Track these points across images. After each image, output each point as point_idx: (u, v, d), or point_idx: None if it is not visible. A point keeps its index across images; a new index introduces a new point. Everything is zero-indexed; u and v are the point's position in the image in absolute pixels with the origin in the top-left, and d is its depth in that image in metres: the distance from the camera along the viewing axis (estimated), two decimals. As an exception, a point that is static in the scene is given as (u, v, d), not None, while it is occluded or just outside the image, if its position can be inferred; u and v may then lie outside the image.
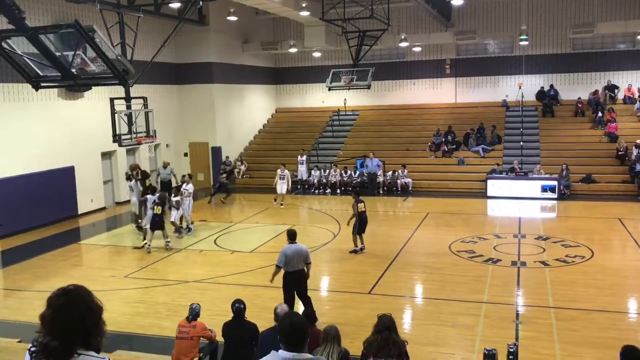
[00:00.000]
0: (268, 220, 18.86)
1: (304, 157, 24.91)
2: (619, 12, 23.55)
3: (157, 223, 14.76)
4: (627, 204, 19.80)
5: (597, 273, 12.43)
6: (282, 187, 20.48)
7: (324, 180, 24.14)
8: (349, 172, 24.26)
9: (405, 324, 10.08)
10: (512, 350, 6.00)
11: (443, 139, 25.59)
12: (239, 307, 7.26)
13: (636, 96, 25.84)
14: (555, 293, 11.19)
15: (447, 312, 10.35)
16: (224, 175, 22.16)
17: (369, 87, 23.77)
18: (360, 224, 14.29)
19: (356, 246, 14.33)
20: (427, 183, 23.42)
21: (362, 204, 14.40)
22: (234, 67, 27.22)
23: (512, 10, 26.28)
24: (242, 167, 26.20)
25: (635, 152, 21.95)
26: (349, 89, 24.42)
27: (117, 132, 15.61)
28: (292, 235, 9.73)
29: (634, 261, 13.41)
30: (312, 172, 24.54)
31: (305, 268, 9.61)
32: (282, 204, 20.49)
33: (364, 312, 10.07)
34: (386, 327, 5.68)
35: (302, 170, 24.63)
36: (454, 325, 9.74)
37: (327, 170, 24.52)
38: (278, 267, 9.50)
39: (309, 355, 3.56)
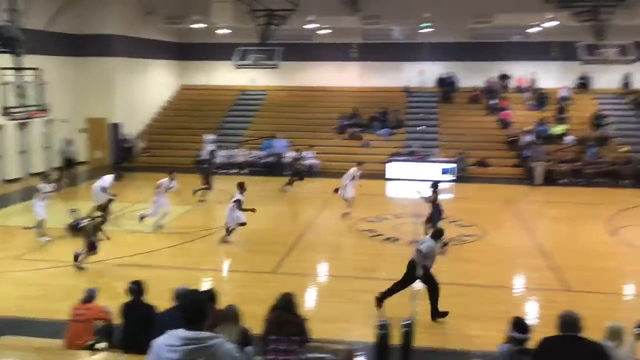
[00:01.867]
0: (172, 200, 18.37)
1: (213, 136, 24.45)
2: (515, 5, 24.86)
3: None
4: (517, 186, 21.13)
5: (488, 251, 13.21)
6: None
7: (230, 160, 23.84)
8: (254, 152, 24.10)
9: (308, 301, 10.23)
10: (406, 323, 6.24)
11: (349, 122, 26.01)
12: (135, 288, 7.05)
13: (526, 85, 27.49)
14: (450, 271, 11.75)
15: (348, 290, 10.62)
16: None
17: (276, 66, 23.65)
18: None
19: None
20: (333, 165, 23.73)
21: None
22: (136, 40, 26.09)
23: (416, -2, 27.04)
24: (141, 144, 25.22)
25: (524, 138, 23.41)
26: (256, 67, 24.17)
27: (6, 105, 14.60)
28: None
29: (522, 240, 14.35)
30: (218, 151, 24.15)
31: None
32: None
33: (268, 292, 10.00)
34: (282, 305, 5.74)
35: (207, 150, 24.14)
36: (355, 302, 10.01)
37: (234, 150, 24.23)
38: None
39: (208, 334, 3.52)
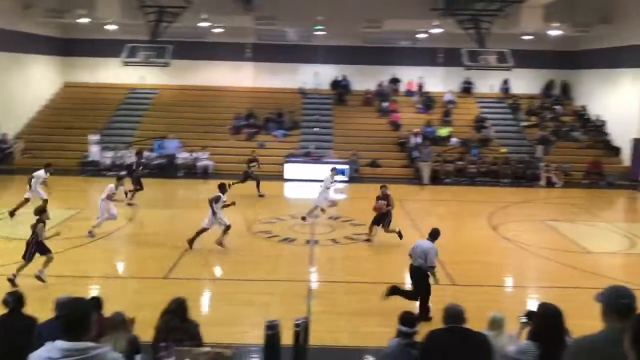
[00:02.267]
0: (53, 204, 17.27)
1: (97, 137, 23.28)
2: (405, 11, 25.84)
3: None
4: (406, 186, 21.93)
5: (380, 248, 13.59)
6: None
7: (118, 162, 22.83)
8: (145, 153, 23.21)
9: (202, 306, 10.01)
10: (298, 323, 6.25)
11: (244, 122, 25.81)
12: (11, 299, 6.51)
13: (415, 89, 28.67)
14: (344, 268, 12.01)
15: (242, 292, 10.50)
16: None
17: (167, 64, 22.99)
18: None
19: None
20: (228, 166, 23.44)
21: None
22: (13, 33, 24.26)
23: (311, 0, 27.31)
24: (20, 145, 23.53)
25: (413, 140, 24.38)
26: (146, 65, 23.34)
27: None
28: None
29: (409, 236, 14.85)
30: (105, 153, 23.07)
31: None
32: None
33: (160, 297, 9.69)
34: (172, 311, 5.57)
35: (94, 151, 23.01)
36: (249, 304, 9.92)
37: (122, 151, 23.24)
38: None
39: (90, 344, 3.31)
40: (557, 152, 24.52)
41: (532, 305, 10.44)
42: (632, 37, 23.39)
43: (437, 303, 8.75)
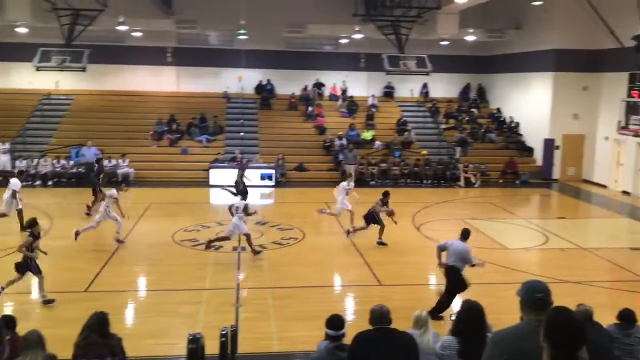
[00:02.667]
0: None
1: (7, 146, 22.08)
2: (326, 17, 26.13)
3: None
4: (332, 189, 22.06)
5: (308, 252, 13.66)
6: None
7: (33, 171, 21.75)
8: (62, 161, 22.28)
9: (126, 319, 9.69)
10: (224, 332, 6.16)
11: (166, 128, 25.24)
12: None
13: (339, 94, 29.03)
14: (272, 274, 11.96)
15: (169, 303, 10.25)
16: None
17: (84, 69, 22.13)
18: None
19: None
20: (150, 173, 22.85)
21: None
22: None
23: (233, 4, 27.08)
24: None
25: (338, 143, 24.67)
26: (61, 70, 22.36)
27: None
28: None
29: (338, 239, 15.04)
30: (17, 162, 21.92)
31: None
32: None
33: (80, 312, 9.30)
34: (91, 326, 5.37)
35: (4, 161, 21.83)
36: (176, 314, 9.70)
37: (36, 160, 22.15)
38: None
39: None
40: (474, 153, 25.51)
41: (456, 303, 10.81)
42: (541, 42, 24.73)
43: (367, 304, 8.88)
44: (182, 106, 27.04)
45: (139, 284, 11.77)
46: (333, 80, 29.32)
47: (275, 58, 28.61)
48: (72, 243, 13.61)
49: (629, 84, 21.25)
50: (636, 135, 16.24)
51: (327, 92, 29.30)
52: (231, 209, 13.08)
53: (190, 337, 5.40)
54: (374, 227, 14.36)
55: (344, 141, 24.65)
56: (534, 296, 3.47)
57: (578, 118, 24.34)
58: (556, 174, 24.85)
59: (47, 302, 10.06)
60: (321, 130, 26.23)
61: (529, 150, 25.94)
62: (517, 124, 27.12)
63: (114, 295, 10.62)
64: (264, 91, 28.30)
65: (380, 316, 5.14)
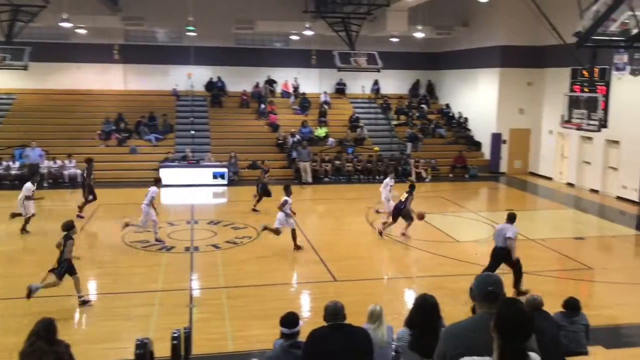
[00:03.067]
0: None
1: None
2: (276, 14, 26.01)
3: None
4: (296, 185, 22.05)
5: (262, 251, 13.57)
6: None
7: (-27, 174, 20.90)
8: (4, 163, 21.47)
9: (75, 324, 9.42)
10: (175, 335, 6.06)
11: (114, 127, 24.65)
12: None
13: (291, 91, 28.98)
14: (226, 273, 11.85)
15: (120, 306, 10.02)
16: None
17: (26, 67, 21.37)
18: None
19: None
20: (99, 173, 22.23)
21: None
22: None
23: (180, 0, 26.66)
24: None
25: (291, 140, 24.64)
26: (1, 68, 21.54)
27: None
28: None
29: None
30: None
31: None
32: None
33: (25, 319, 9.03)
34: (36, 333, 5.19)
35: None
36: (128, 318, 9.49)
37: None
38: None
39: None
40: (425, 149, 25.92)
41: (410, 296, 10.97)
42: (487, 39, 25.33)
43: (320, 300, 8.90)
44: (130, 105, 26.46)
45: (88, 288, 11.41)
46: (285, 77, 29.24)
47: (225, 55, 28.33)
48: (16, 248, 13.14)
49: (571, 79, 22.02)
50: (579, 129, 16.80)
51: (279, 89, 29.20)
52: (284, 205, 13.20)
53: (138, 342, 5.28)
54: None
55: (297, 138, 24.64)
56: (486, 289, 3.52)
57: (523, 113, 25.07)
58: (503, 167, 25.52)
59: (84, 303, 10.01)
60: (274, 127, 26.12)
61: (477, 145, 26.54)
62: (466, 119, 27.70)
63: (62, 300, 10.30)
64: (215, 88, 27.98)
65: (334, 312, 5.16)
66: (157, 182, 14.50)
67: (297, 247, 13.46)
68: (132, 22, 25.25)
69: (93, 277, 11.87)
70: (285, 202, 13.26)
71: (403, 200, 14.63)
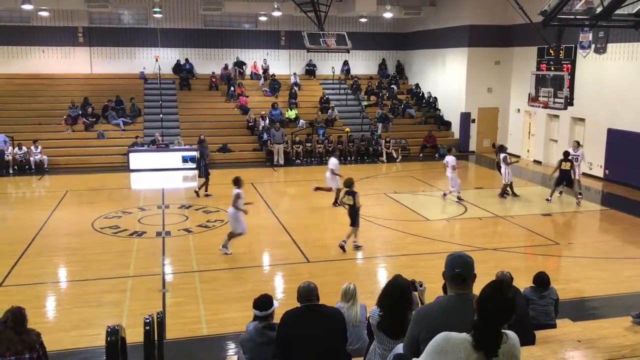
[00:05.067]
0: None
1: None
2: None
3: None
4: (258, 169, 22.05)
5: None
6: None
7: None
8: (-33, 150, 20.89)
9: (48, 312, 9.30)
10: (147, 321, 6.03)
11: (80, 112, 24.16)
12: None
13: (261, 72, 28.74)
14: (199, 257, 11.80)
15: (92, 292, 9.92)
16: None
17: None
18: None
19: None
20: (66, 159, 21.87)
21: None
22: None
23: (145, -19, 26.16)
24: None
25: (262, 123, 24.50)
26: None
27: None
28: None
29: (266, 219, 15.02)
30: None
31: None
32: None
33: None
34: (4, 322, 5.12)
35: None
36: (100, 304, 9.41)
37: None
38: None
39: None
40: (395, 129, 26.05)
41: (382, 274, 11.09)
42: (455, 18, 25.44)
43: (293, 282, 8.95)
44: (97, 89, 25.94)
45: (59, 275, 11.28)
46: (254, 58, 28.98)
47: (193, 37, 27.93)
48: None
49: (538, 58, 22.29)
50: (546, 107, 17.05)
51: (248, 71, 28.93)
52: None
53: (109, 329, 5.24)
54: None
55: (268, 121, 24.51)
56: (453, 271, 3.56)
57: (492, 92, 25.34)
58: (473, 146, 25.83)
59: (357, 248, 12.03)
60: (244, 110, 25.92)
61: (447, 124, 26.77)
62: (435, 99, 27.88)
63: (31, 288, 10.16)
64: (183, 71, 27.58)
65: (307, 293, 5.20)
66: (237, 183, 12.44)
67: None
68: (96, 4, 24.61)
69: (63, 264, 11.71)
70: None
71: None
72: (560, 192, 17.13)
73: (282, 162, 22.81)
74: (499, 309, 2.81)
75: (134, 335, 6.68)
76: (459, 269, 3.55)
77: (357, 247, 12.29)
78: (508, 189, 17.15)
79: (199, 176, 17.86)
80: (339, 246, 12.11)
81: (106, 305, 9.39)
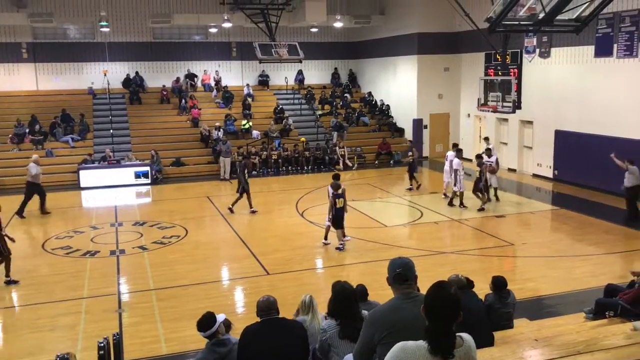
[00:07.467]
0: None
1: None
2: (193, 6, 25.45)
3: None
4: (213, 182, 21.81)
5: (192, 249, 13.33)
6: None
7: None
8: None
9: (-5, 340, 8.92)
10: (101, 344, 5.85)
11: (27, 130, 23.41)
12: None
13: (212, 84, 28.51)
14: (155, 275, 11.55)
15: (45, 316, 9.57)
16: None
17: None
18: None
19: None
20: (13, 179, 21.10)
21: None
22: None
23: (91, -5, 25.62)
24: None
25: (215, 133, 24.26)
26: None
27: None
28: None
29: (223, 233, 14.86)
30: None
31: None
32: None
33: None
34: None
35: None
36: (53, 328, 9.08)
37: None
38: None
39: None
40: (350, 137, 26.22)
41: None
42: (404, 27, 25.86)
43: (254, 295, 8.85)
44: (44, 105, 25.24)
45: (8, 300, 10.84)
46: (205, 70, 28.72)
47: (142, 50, 27.50)
48: None
49: (486, 63, 22.71)
50: (495, 111, 17.46)
51: (199, 83, 28.66)
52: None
53: (58, 358, 5.05)
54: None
55: (221, 133, 24.29)
56: (395, 271, 3.77)
57: (442, 98, 25.81)
58: (426, 151, 26.23)
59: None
60: (196, 122, 25.62)
61: (400, 131, 27.11)
62: (388, 107, 28.21)
63: (-21, 316, 9.73)
64: (133, 85, 27.10)
65: (266, 307, 5.12)
66: (457, 149, 17.22)
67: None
68: (40, 19, 24.00)
69: (14, 288, 11.26)
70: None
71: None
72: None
73: (227, 176, 22.11)
74: (445, 308, 2.84)
75: (90, 358, 6.47)
76: (399, 269, 3.76)
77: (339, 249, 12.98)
78: (456, 198, 16.82)
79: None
80: (336, 249, 12.92)
81: (60, 329, 9.08)
